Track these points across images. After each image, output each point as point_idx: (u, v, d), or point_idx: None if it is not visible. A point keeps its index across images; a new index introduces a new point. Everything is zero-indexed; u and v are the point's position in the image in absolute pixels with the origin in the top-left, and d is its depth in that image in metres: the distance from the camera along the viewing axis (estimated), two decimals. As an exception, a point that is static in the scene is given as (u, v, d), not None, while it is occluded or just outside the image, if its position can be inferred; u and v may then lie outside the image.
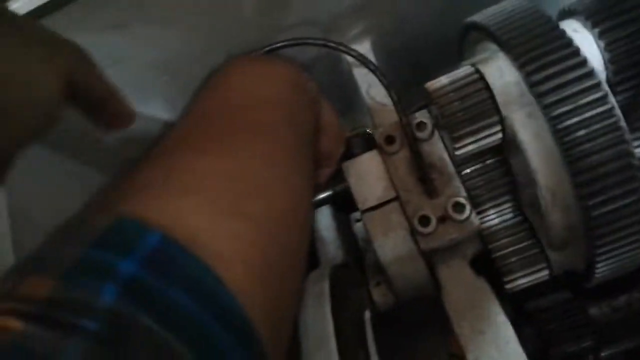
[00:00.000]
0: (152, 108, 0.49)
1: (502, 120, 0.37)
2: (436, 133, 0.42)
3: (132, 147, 0.34)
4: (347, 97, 0.55)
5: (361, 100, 0.50)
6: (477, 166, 0.41)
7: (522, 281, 0.41)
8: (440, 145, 0.42)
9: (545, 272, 0.41)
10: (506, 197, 0.42)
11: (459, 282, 0.39)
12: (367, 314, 0.40)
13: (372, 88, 0.50)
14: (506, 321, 0.35)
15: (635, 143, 0.40)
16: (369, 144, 0.44)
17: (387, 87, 0.43)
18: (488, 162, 0.41)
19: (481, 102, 0.37)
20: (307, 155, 0.30)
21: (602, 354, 0.42)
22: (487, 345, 0.34)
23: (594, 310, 0.41)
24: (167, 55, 0.45)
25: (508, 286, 0.41)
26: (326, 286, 0.36)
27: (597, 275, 0.39)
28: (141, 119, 0.35)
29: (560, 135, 0.34)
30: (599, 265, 0.39)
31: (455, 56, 0.47)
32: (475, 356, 0.33)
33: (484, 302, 0.37)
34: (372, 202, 0.42)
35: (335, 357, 0.30)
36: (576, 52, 0.34)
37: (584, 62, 0.34)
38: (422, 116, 0.42)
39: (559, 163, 0.35)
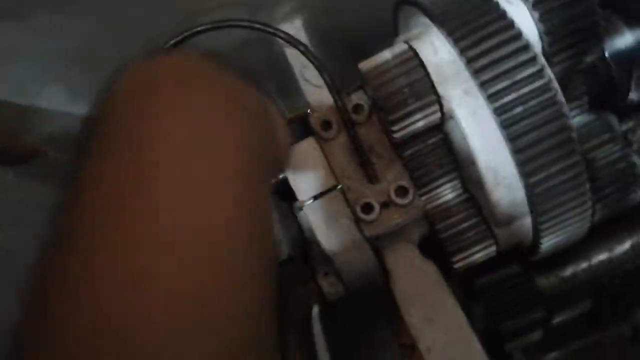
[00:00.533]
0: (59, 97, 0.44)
1: (439, 99, 0.36)
2: (373, 115, 0.40)
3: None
4: (283, 80, 0.52)
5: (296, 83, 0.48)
6: (418, 147, 0.40)
7: (470, 259, 0.41)
8: (379, 128, 0.40)
9: (493, 248, 0.41)
10: (450, 176, 0.41)
11: (407, 267, 0.38)
12: (315, 310, 0.38)
13: (306, 70, 0.47)
14: (456, 305, 0.34)
15: (573, 113, 0.40)
16: (308, 127, 0.42)
17: (319, 69, 0.40)
18: (429, 142, 0.39)
19: (416, 82, 0.36)
20: (254, 175, 0.23)
21: (552, 323, 0.42)
22: (438, 332, 0.33)
23: (542, 282, 0.41)
24: (76, 45, 0.41)
25: (456, 265, 0.41)
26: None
27: (542, 249, 0.39)
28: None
29: (499, 113, 0.33)
30: (544, 239, 0.38)
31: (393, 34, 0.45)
32: (427, 345, 0.32)
33: (433, 287, 0.36)
34: (312, 192, 0.40)
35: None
36: (510, 25, 0.33)
37: (518, 35, 0.33)
38: (358, 98, 0.40)
39: (499, 141, 0.34)
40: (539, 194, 0.35)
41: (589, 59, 0.37)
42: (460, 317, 0.34)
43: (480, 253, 0.41)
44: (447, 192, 0.41)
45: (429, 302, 0.35)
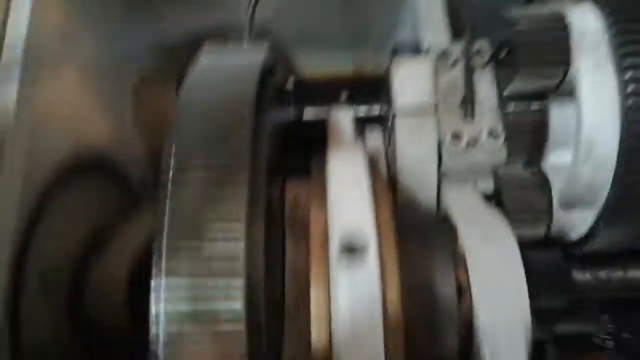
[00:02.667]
0: None
1: (567, 65, 0.37)
2: (490, 65, 0.42)
3: None
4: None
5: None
6: (519, 108, 0.41)
7: (518, 232, 0.42)
8: (490, 78, 0.42)
9: (543, 231, 0.42)
10: (533, 147, 0.42)
11: (469, 205, 0.39)
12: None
13: (431, 13, 0.49)
14: (515, 243, 0.35)
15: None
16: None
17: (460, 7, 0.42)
18: (532, 107, 0.41)
19: (556, 41, 0.37)
20: None
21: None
22: (490, 256, 0.34)
23: (577, 276, 0.42)
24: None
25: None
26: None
27: (594, 244, 0.40)
28: None
29: (625, 87, 0.34)
30: (598, 236, 0.40)
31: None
32: (476, 263, 0.33)
33: (493, 219, 0.37)
34: (409, 108, 0.41)
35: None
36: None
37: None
38: (481, 45, 0.42)
39: (611, 121, 0.36)
40: (625, 185, 0.36)
41: None
42: (516, 253, 0.34)
43: (530, 231, 0.42)
44: (524, 160, 0.42)
45: (487, 231, 0.35)
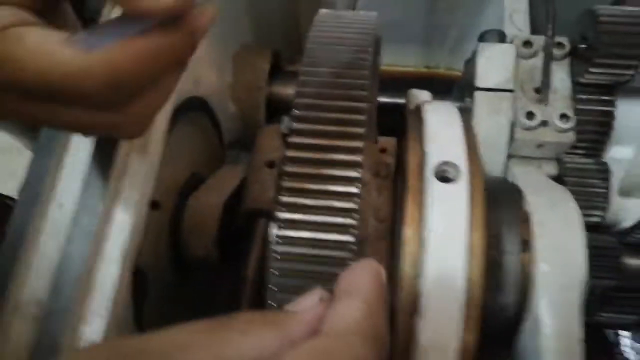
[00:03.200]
0: None
1: (641, 59, 0.41)
2: (568, 58, 0.46)
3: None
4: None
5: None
6: (590, 97, 0.45)
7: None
8: (567, 69, 0.46)
9: (598, 218, 0.46)
10: (596, 137, 0.46)
11: (534, 177, 0.43)
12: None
13: (515, 14, 0.53)
14: (577, 208, 0.39)
15: None
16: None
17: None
18: (602, 97, 0.45)
19: (632, 36, 0.41)
20: None
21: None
22: (554, 216, 0.37)
23: (628, 261, 0.45)
24: None
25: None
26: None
27: (642, 233, 0.43)
28: None
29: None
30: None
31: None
32: (541, 220, 0.37)
33: (557, 188, 0.40)
34: (489, 85, 0.46)
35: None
36: None
37: None
38: (561, 39, 0.46)
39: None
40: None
41: None
42: (578, 217, 0.38)
43: (587, 216, 0.46)
44: (588, 149, 0.46)
45: (553, 196, 0.39)
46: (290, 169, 0.31)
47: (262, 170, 0.45)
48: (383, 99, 0.56)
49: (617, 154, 0.45)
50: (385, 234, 0.39)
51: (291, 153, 0.31)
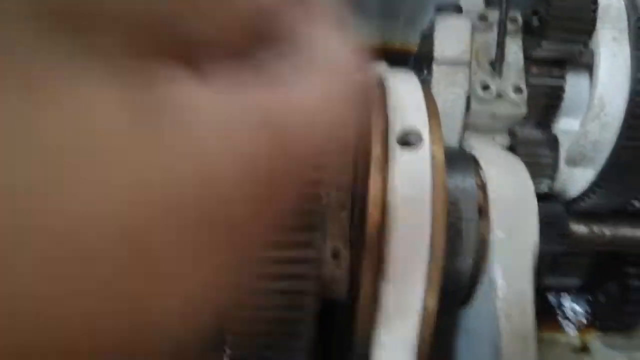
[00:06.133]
0: None
1: (590, 35, 0.43)
2: (520, 33, 0.47)
3: None
4: None
5: None
6: (541, 71, 0.47)
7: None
8: (520, 44, 0.47)
9: (546, 187, 0.48)
10: (547, 110, 0.48)
11: (489, 147, 0.44)
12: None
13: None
14: (529, 177, 0.40)
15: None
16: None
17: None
18: (552, 71, 0.47)
19: (582, 12, 0.43)
20: None
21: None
22: (508, 184, 0.39)
23: (575, 228, 0.48)
24: None
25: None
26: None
27: (591, 201, 0.46)
28: None
29: (637, 61, 0.40)
30: (595, 194, 0.45)
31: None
32: (494, 188, 0.38)
33: (510, 157, 0.42)
34: (447, 57, 0.46)
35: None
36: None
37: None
38: (515, 13, 0.48)
39: (620, 87, 0.42)
40: (624, 147, 0.42)
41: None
42: (528, 178, 0.40)
43: (537, 185, 0.48)
44: (539, 120, 0.48)
45: (505, 166, 0.41)
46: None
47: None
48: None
49: (565, 125, 0.47)
50: (346, 202, 0.39)
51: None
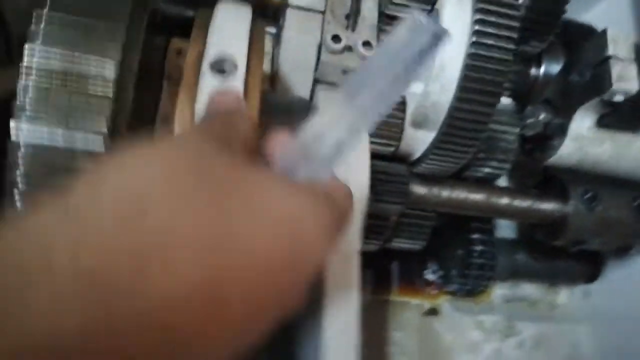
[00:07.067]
0: None
1: (437, -3, 0.44)
2: (376, -12, 0.47)
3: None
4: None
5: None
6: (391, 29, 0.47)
7: (373, 146, 0.48)
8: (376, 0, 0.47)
9: (392, 149, 0.49)
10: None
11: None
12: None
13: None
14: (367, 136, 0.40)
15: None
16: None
17: None
18: (404, 31, 0.47)
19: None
20: None
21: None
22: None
23: (416, 187, 0.49)
24: None
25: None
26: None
27: (428, 163, 0.47)
28: None
29: (473, 25, 0.41)
30: (432, 158, 0.47)
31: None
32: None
33: None
34: (301, 3, 0.45)
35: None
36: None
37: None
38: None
39: (459, 49, 0.43)
40: (459, 110, 0.43)
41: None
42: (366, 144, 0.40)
43: (381, 147, 0.48)
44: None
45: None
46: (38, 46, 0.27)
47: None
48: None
49: (412, 87, 0.48)
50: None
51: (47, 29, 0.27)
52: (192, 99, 0.29)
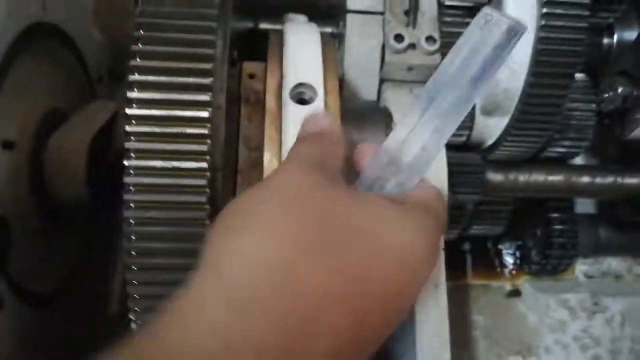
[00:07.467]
0: None
1: (498, -18, 0.43)
2: (433, -20, 0.47)
3: None
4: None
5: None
6: (454, 19, 0.46)
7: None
8: (436, -7, 0.47)
9: (464, 138, 0.48)
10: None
11: (405, 101, 0.44)
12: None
13: None
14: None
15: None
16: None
17: None
18: (465, 20, 0.46)
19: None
20: None
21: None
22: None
23: (491, 176, 0.48)
24: None
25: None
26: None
27: (503, 149, 0.46)
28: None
29: (542, 7, 0.40)
30: (506, 143, 0.46)
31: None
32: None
33: None
34: (360, 7, 0.45)
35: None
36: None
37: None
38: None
39: (530, 33, 0.41)
40: (531, 96, 0.42)
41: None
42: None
43: (453, 137, 0.48)
44: (456, 72, 0.48)
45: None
46: (136, 94, 0.29)
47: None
48: (264, 25, 0.54)
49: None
50: (258, 162, 0.39)
51: (136, 78, 0.29)
52: (277, 127, 0.30)
